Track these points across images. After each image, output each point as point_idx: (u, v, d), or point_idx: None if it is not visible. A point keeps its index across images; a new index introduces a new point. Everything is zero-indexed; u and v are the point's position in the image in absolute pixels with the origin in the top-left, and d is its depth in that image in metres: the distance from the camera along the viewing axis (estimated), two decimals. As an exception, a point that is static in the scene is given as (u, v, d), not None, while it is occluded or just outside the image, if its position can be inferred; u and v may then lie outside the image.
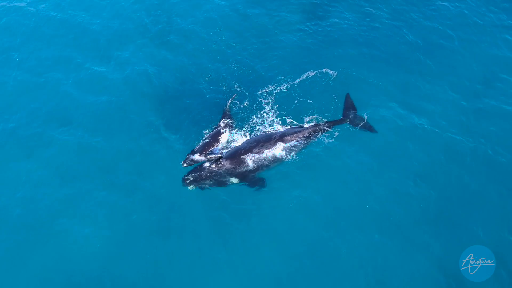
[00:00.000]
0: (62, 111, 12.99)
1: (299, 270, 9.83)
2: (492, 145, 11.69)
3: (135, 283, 9.79)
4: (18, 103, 13.20)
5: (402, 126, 12.12)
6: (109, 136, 12.27)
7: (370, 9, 15.82)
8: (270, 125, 11.90)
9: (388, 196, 10.83)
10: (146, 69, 14.05)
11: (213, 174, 10.81)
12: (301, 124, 11.81)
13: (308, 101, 12.52)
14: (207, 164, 10.90)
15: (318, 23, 15.32)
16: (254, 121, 12.07)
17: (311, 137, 11.44)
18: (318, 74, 13.31)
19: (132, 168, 11.55)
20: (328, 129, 11.69)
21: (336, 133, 11.68)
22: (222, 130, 11.73)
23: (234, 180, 10.85)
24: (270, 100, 12.52)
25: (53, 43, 14.98)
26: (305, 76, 13.26)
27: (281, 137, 11.17)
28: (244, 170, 10.82)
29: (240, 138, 11.64)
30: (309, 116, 12.04)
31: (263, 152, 10.90)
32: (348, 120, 11.98)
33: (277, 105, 12.40)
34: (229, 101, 12.61)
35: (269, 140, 11.09)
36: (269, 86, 12.97)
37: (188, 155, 11.34)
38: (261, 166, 10.92)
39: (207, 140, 11.57)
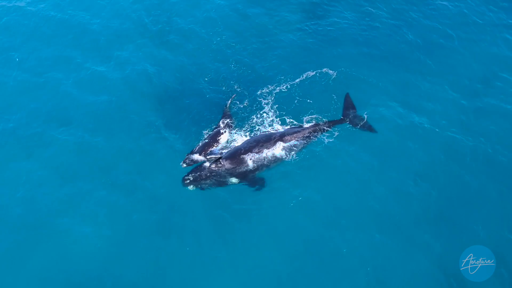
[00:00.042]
0: (62, 111, 12.99)
1: (299, 270, 9.83)
2: (492, 144, 11.69)
3: (135, 283, 9.79)
4: (18, 103, 13.19)
5: (402, 125, 12.12)
6: (109, 136, 12.27)
7: (369, 8, 15.83)
8: (270, 125, 11.89)
9: (388, 195, 10.83)
10: (146, 69, 14.04)
11: (213, 174, 10.82)
12: (301, 124, 11.81)
13: (308, 101, 12.53)
14: (207, 164, 10.91)
15: (318, 22, 15.32)
16: (254, 121, 12.07)
17: (311, 137, 11.44)
18: (317, 74, 13.32)
19: (132, 168, 11.54)
20: (328, 128, 11.69)
21: (336, 133, 11.69)
22: (222, 130, 11.73)
23: (234, 180, 10.85)
24: (270, 100, 12.52)
25: (53, 43, 14.97)
26: (304, 76, 13.26)
27: (281, 137, 11.16)
28: (244, 170, 10.82)
29: (240, 138, 11.63)
30: (308, 116, 12.04)
31: (263, 152, 10.90)
32: (348, 119, 11.98)
33: (276, 105, 12.40)
34: (229, 101, 12.61)
35: (269, 140, 11.09)
36: (269, 86, 12.97)
37: (187, 155, 11.34)
38: (261, 166, 10.92)
39: (207, 140, 11.57)
